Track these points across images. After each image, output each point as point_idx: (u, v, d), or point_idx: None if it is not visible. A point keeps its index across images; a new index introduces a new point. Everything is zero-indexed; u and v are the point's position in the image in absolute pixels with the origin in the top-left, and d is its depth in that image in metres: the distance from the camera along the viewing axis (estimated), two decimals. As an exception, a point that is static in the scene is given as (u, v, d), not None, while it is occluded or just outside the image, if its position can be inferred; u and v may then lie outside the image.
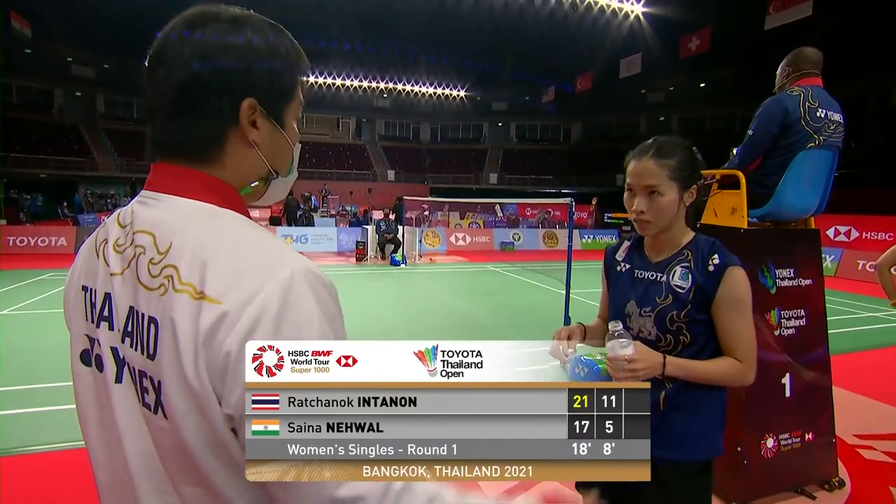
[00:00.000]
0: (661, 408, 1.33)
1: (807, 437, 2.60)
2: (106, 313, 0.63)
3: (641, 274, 1.41)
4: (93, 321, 0.65)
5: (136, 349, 0.59)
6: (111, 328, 0.62)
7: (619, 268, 1.47)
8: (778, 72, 2.63)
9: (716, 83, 30.07)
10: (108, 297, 0.63)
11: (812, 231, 2.74)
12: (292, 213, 16.02)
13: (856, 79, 20.20)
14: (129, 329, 0.60)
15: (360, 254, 12.19)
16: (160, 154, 0.65)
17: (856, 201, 13.38)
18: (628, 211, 1.38)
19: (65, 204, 19.88)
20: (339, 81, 33.72)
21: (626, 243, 1.52)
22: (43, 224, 14.98)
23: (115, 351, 0.61)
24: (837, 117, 2.48)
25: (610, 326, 1.26)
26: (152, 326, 0.57)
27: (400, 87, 35.19)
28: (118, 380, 0.61)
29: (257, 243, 0.59)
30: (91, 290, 0.66)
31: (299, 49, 0.71)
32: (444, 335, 5.87)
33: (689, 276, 1.32)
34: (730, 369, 1.29)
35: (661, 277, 1.36)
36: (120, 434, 0.60)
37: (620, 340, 1.24)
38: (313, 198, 15.59)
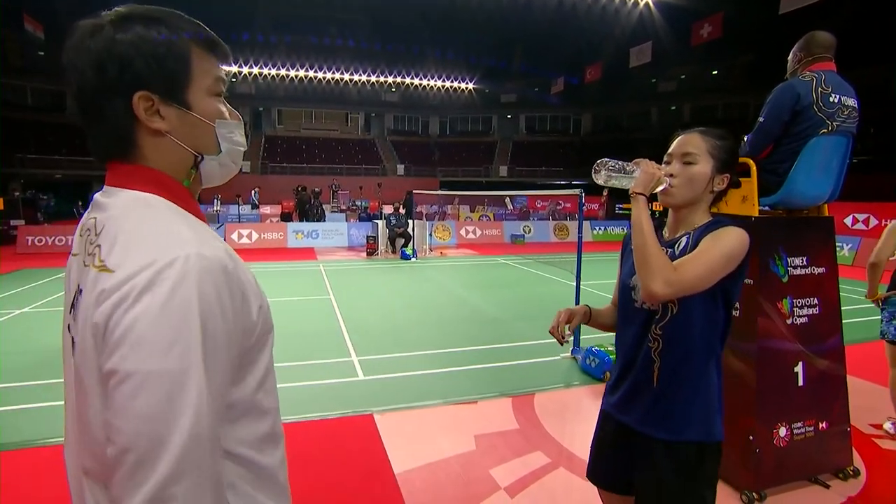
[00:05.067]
0: (654, 384, 1.34)
1: (820, 425, 2.58)
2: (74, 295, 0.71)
3: None
4: (68, 306, 0.74)
5: (76, 321, 0.67)
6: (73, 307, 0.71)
7: (632, 246, 1.47)
8: (790, 57, 2.59)
9: (729, 71, 29.60)
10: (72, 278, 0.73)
11: (825, 218, 2.70)
12: (303, 209, 16.11)
13: (876, 64, 19.72)
14: (75, 303, 0.69)
15: (371, 248, 12.24)
16: (99, 158, 0.73)
17: (874, 188, 13.09)
18: None
19: (80, 203, 20.21)
20: (346, 76, 33.70)
21: None
22: (60, 224, 15.22)
23: (68, 327, 0.71)
24: (852, 102, 2.43)
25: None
26: (79, 296, 0.66)
27: (408, 80, 35.09)
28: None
29: (165, 227, 0.64)
30: (69, 274, 0.76)
31: (188, 28, 0.71)
32: (455, 327, 5.89)
33: (688, 240, 1.35)
34: (663, 260, 1.25)
35: (669, 252, 1.37)
36: (68, 402, 0.71)
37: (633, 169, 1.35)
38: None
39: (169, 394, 0.55)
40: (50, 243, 12.64)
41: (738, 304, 2.54)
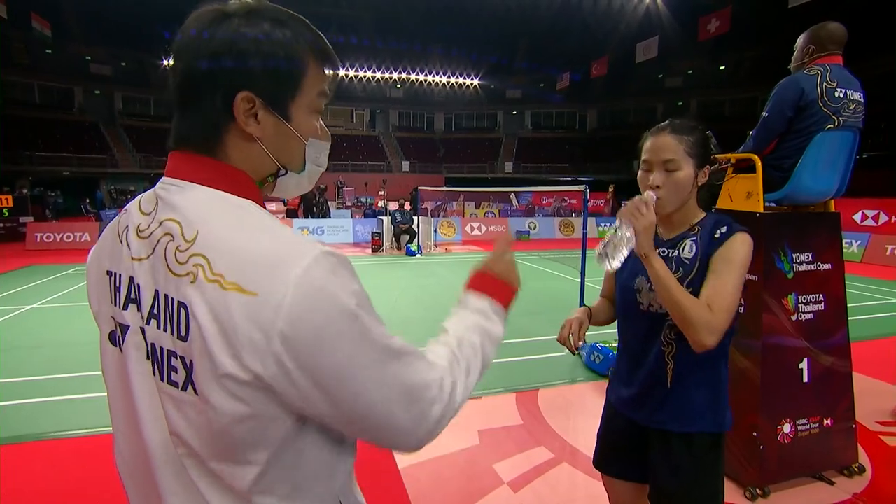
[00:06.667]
0: (668, 384, 1.38)
1: (825, 422, 2.57)
2: (133, 296, 0.65)
3: None
4: (118, 304, 0.68)
5: (163, 330, 0.61)
6: (139, 310, 0.64)
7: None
8: (798, 46, 2.49)
9: (736, 65, 29.35)
10: (132, 280, 0.65)
11: (831, 214, 2.68)
12: (308, 206, 16.15)
13: (885, 56, 19.42)
14: (156, 311, 0.62)
15: (376, 244, 12.26)
16: (175, 144, 0.68)
17: (884, 184, 12.97)
18: (642, 189, 1.37)
19: (87, 200, 20.35)
20: (352, 73, 33.73)
21: None
22: (67, 220, 15.32)
23: (143, 331, 0.64)
24: (857, 96, 2.40)
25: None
26: (182, 310, 0.59)
27: (413, 77, 35.07)
28: (148, 357, 0.64)
29: (278, 235, 0.61)
30: (116, 274, 0.69)
31: (310, 39, 0.68)
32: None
33: (695, 246, 1.35)
34: (700, 310, 1.22)
35: (671, 253, 1.38)
36: (137, 407, 0.64)
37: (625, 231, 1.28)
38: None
39: (386, 365, 0.62)
40: (58, 240, 12.76)
41: (742, 301, 2.53)
